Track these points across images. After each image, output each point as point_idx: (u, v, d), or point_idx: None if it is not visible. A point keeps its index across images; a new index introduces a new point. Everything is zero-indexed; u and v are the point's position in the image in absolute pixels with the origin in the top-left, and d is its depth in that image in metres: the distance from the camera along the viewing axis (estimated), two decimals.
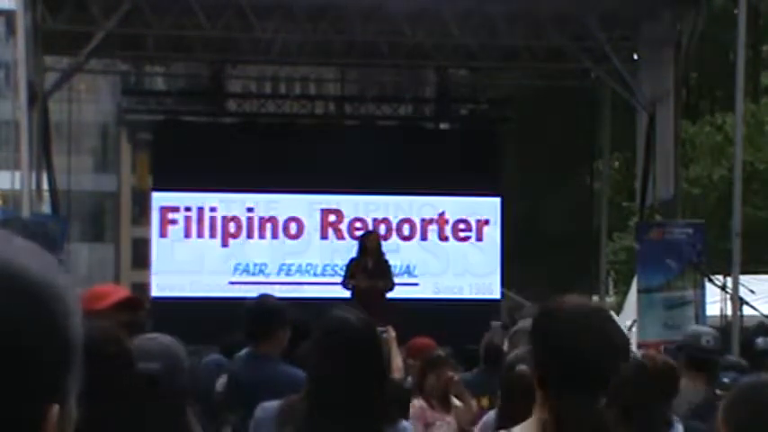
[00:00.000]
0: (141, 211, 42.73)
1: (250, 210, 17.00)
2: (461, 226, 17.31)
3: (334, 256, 16.50)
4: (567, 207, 26.99)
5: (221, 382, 6.70)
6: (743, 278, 14.18)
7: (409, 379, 8.71)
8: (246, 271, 16.84)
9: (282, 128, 17.76)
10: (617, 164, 26.74)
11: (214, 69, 17.91)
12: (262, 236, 17.01)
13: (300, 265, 16.99)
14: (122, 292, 4.57)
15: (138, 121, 25.44)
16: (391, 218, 17.15)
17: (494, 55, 17.28)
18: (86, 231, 50.67)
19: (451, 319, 14.98)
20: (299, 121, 18.37)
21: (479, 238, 17.34)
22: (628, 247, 23.48)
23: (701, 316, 14.27)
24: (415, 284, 16.81)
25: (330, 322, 3.83)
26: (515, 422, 3.04)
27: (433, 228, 17.27)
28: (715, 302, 15.22)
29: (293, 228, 17.05)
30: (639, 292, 15.33)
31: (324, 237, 17.10)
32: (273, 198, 17.01)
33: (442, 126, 19.54)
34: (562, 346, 2.88)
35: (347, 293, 13.59)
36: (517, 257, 20.25)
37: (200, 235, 16.91)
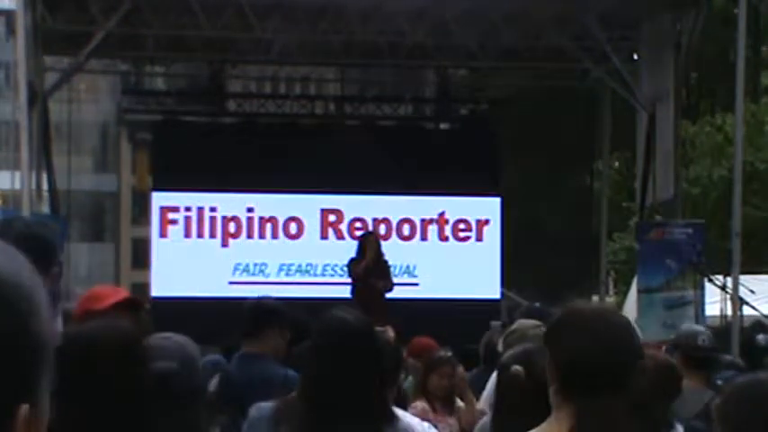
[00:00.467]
0: (141, 211, 42.68)
1: (250, 210, 16.98)
2: (461, 226, 17.29)
3: (334, 256, 16.48)
4: (567, 207, 27.01)
5: (214, 382, 6.72)
6: (743, 278, 14.17)
7: (410, 379, 8.69)
8: (246, 271, 16.83)
9: (282, 128, 17.74)
10: (617, 164, 26.71)
11: (214, 69, 17.88)
12: (262, 236, 16.99)
13: (300, 265, 16.98)
14: (122, 292, 4.56)
15: (138, 121, 25.47)
16: (391, 218, 17.13)
17: (494, 55, 17.26)
18: (86, 231, 50.63)
19: (451, 319, 14.93)
20: (300, 121, 18.35)
21: (479, 238, 17.32)
22: (628, 247, 23.45)
23: (700, 316, 14.27)
24: (415, 284, 16.79)
25: (328, 322, 3.83)
26: (510, 423, 3.03)
27: (433, 228, 17.25)
28: (715, 302, 15.23)
29: (293, 228, 17.04)
30: (639, 292, 15.33)
31: (324, 237, 17.08)
32: (273, 198, 17.00)
33: (442, 126, 19.54)
34: (581, 350, 2.86)
35: (347, 293, 13.59)
36: (517, 257, 20.23)
37: (200, 235, 16.90)
